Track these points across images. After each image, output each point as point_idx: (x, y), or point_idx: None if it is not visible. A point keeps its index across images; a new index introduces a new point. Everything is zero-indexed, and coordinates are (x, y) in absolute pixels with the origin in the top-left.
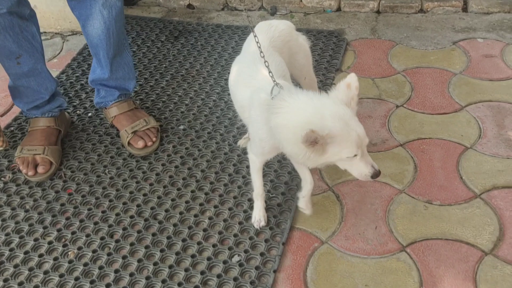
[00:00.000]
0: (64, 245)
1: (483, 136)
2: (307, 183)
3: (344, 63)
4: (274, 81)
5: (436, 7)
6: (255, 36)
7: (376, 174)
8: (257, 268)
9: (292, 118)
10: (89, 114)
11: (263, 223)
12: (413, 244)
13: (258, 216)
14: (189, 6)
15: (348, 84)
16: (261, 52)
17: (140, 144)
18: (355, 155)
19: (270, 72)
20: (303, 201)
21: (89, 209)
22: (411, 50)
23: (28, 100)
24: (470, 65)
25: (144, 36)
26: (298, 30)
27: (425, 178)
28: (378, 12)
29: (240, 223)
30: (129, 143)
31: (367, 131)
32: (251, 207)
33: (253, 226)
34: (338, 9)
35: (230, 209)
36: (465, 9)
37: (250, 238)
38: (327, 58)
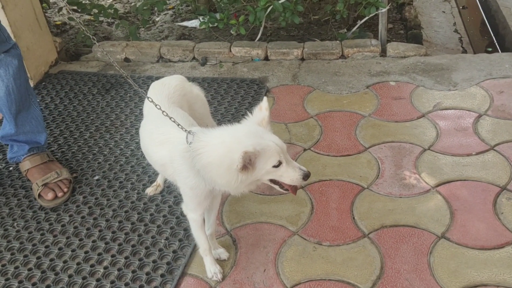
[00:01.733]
0: None
1: (380, 176)
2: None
3: None
4: (185, 130)
5: (356, 52)
6: (150, 100)
7: (306, 175)
8: None
9: (215, 153)
10: (10, 168)
11: (220, 275)
12: (297, 285)
13: (214, 270)
14: (126, 59)
15: (260, 107)
16: (163, 112)
17: (50, 195)
18: (280, 163)
19: (179, 124)
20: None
21: None
22: (326, 95)
23: None
24: (379, 107)
25: (77, 90)
26: (224, 78)
27: (319, 219)
28: (302, 59)
29: (133, 271)
30: (39, 195)
31: None
32: (147, 255)
33: (145, 274)
34: (266, 58)
35: (126, 257)
36: (383, 54)
37: (140, 287)
38: (246, 105)
